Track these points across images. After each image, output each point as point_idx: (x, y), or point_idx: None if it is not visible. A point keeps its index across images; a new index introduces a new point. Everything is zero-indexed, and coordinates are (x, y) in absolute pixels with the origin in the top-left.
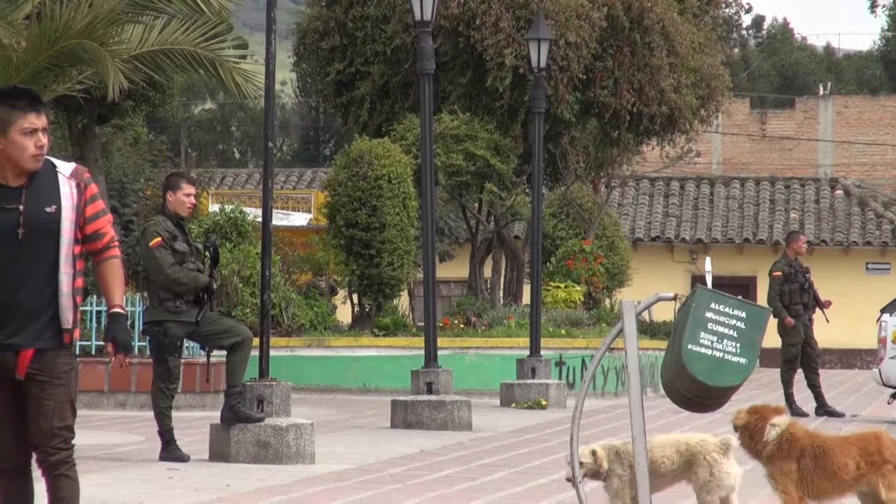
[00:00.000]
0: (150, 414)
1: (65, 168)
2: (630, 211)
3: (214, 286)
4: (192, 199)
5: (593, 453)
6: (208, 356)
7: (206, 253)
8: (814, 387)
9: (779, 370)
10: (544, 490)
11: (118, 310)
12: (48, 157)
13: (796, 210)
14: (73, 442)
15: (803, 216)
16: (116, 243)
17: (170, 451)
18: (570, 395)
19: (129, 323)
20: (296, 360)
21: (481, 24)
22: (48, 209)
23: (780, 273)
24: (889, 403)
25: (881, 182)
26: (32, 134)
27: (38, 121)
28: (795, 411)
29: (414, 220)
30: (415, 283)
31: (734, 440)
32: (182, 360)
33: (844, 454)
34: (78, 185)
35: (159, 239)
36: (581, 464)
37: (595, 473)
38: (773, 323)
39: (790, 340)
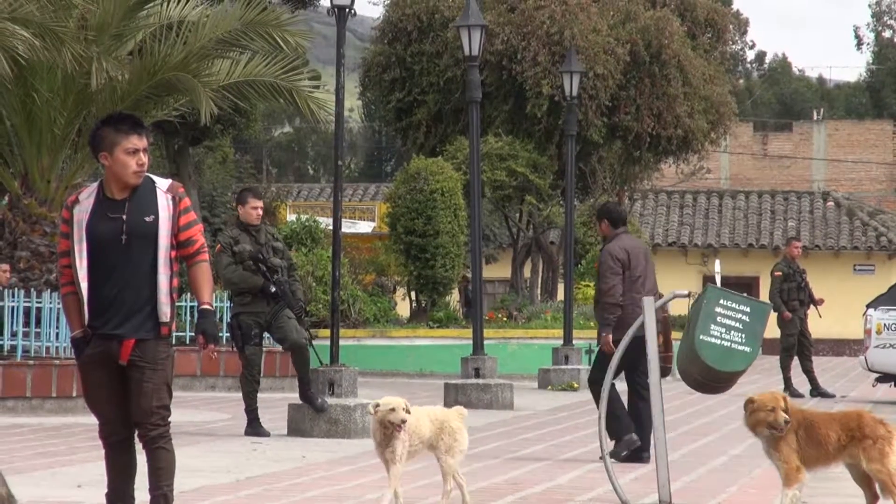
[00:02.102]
0: (238, 395)
1: (162, 183)
2: (650, 220)
3: (272, 289)
4: (259, 211)
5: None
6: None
7: (261, 265)
8: (808, 372)
9: (778, 357)
10: (577, 462)
11: (206, 306)
12: (148, 174)
13: (793, 219)
14: (170, 419)
15: (799, 224)
16: (206, 249)
17: (253, 428)
18: None
19: (216, 318)
20: (361, 348)
21: (522, 58)
22: (147, 219)
23: (780, 273)
24: (874, 386)
25: (867, 195)
26: (134, 154)
27: (139, 142)
28: (793, 393)
29: (463, 228)
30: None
31: (465, 410)
32: (263, 349)
33: (828, 427)
34: (173, 199)
35: (219, 246)
36: (392, 409)
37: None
38: (773, 316)
39: (787, 332)
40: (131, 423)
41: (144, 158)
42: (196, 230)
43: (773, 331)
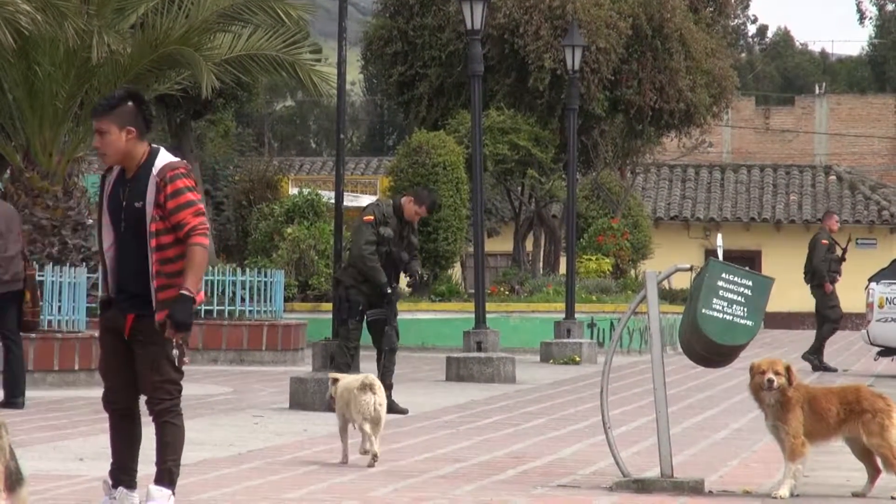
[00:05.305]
0: (239, 368)
1: (158, 165)
2: (652, 194)
3: (388, 290)
4: (417, 217)
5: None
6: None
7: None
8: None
9: (771, 330)
10: (579, 434)
11: (184, 292)
12: (162, 153)
13: (795, 193)
14: (178, 393)
15: (801, 198)
16: (198, 231)
17: None
18: (601, 352)
19: (193, 306)
20: None
21: (524, 32)
22: (137, 204)
23: (826, 241)
24: (875, 360)
25: (868, 169)
26: (98, 135)
27: (96, 124)
28: (822, 366)
29: (465, 202)
30: (466, 255)
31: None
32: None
33: (828, 401)
34: (157, 184)
35: (371, 217)
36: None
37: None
38: (779, 287)
39: (831, 303)
40: (134, 394)
41: (98, 141)
42: (186, 213)
43: (775, 304)
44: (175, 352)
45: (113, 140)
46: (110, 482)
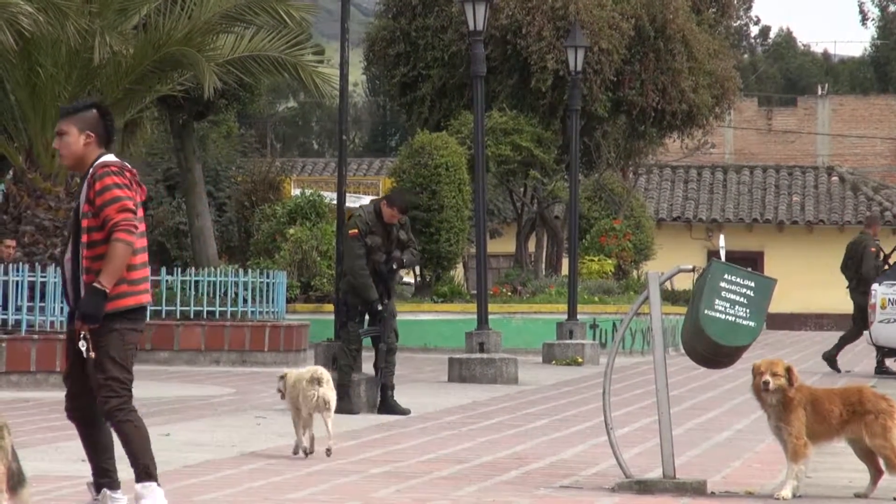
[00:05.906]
0: (241, 369)
1: (94, 165)
2: (654, 194)
3: (378, 307)
4: (395, 219)
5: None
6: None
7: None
8: (843, 340)
9: (773, 331)
10: (581, 435)
11: (96, 284)
12: (102, 157)
13: (798, 194)
14: (125, 392)
15: (804, 199)
16: (121, 227)
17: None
18: (603, 353)
19: (103, 300)
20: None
21: (526, 33)
22: (74, 204)
23: (874, 249)
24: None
25: (871, 170)
26: (58, 136)
27: (59, 125)
28: (886, 370)
29: (468, 203)
30: (468, 256)
31: (321, 370)
32: (363, 329)
33: (831, 402)
34: (88, 181)
35: (356, 231)
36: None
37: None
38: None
39: None
40: (92, 401)
41: (57, 142)
42: (111, 209)
43: (777, 305)
44: (82, 344)
45: (70, 142)
46: (93, 485)
